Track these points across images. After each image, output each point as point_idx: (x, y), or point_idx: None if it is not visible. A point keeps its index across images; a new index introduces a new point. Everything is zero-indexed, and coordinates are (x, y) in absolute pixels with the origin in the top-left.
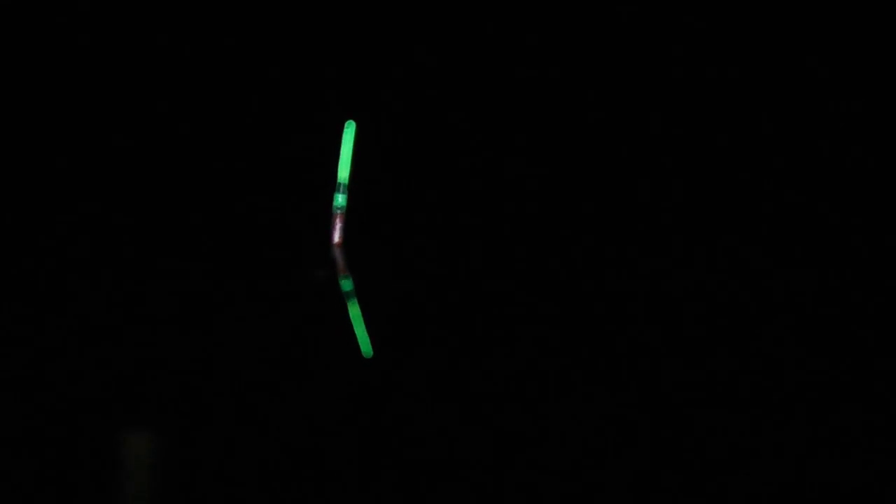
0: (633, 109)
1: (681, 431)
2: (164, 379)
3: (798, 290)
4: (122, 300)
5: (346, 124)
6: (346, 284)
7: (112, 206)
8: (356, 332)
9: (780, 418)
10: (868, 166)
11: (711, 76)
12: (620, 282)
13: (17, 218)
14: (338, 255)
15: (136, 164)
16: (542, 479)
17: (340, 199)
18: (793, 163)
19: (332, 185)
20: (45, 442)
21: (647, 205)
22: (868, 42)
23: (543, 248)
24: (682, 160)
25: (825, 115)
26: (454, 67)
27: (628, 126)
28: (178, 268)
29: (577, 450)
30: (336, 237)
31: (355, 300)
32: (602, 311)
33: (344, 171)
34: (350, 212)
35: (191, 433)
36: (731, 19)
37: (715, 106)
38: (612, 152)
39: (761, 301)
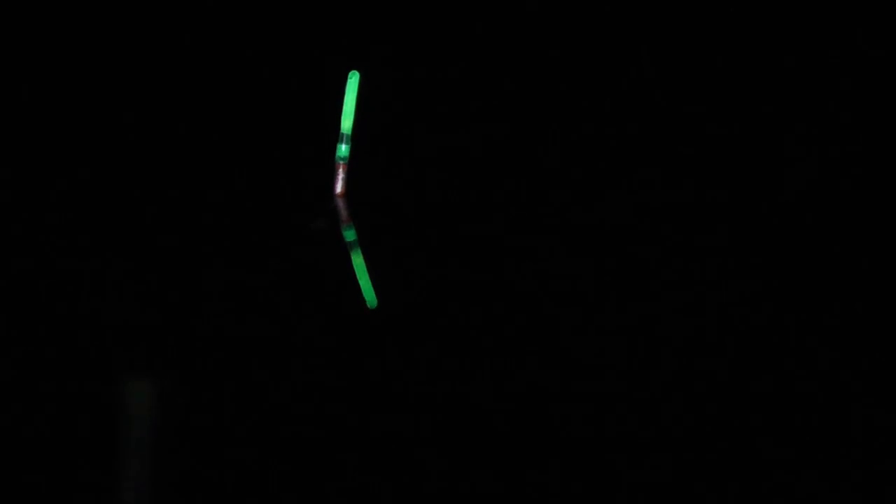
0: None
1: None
2: (164, 330)
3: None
4: (123, 250)
5: (350, 74)
6: (349, 234)
7: (117, 158)
8: (360, 282)
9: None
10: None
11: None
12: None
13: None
14: (340, 205)
15: (133, 119)
16: (551, 433)
17: (343, 150)
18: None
19: (334, 135)
20: (45, 395)
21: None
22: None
23: (555, 201)
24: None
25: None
26: (466, 15)
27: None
28: (178, 219)
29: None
30: (338, 188)
31: (359, 250)
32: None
33: (347, 122)
34: (352, 161)
35: (191, 386)
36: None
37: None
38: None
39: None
